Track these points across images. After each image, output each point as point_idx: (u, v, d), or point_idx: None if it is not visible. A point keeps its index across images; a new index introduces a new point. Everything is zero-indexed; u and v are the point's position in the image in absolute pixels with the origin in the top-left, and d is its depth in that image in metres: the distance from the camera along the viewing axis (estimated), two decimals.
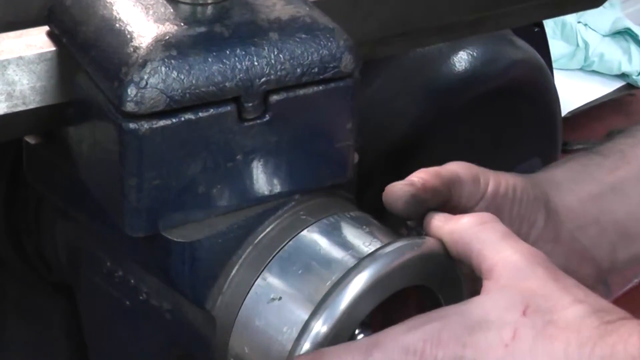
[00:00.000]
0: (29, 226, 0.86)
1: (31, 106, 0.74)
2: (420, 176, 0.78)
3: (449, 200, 0.79)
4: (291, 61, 0.71)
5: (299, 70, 0.71)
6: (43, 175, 0.80)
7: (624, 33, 1.74)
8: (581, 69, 1.70)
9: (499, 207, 0.82)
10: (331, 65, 0.72)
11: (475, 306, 0.69)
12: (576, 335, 0.67)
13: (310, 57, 0.72)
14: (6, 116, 0.73)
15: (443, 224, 0.74)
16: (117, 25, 0.70)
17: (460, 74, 1.10)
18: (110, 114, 0.69)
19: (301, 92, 0.72)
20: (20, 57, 0.73)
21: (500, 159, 1.03)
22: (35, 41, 0.74)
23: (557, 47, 1.67)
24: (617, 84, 1.71)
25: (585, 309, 0.68)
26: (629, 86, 1.72)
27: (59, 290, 0.89)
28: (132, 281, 0.77)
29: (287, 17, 0.72)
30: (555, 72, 1.39)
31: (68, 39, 0.73)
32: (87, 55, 0.71)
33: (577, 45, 1.70)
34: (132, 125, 0.68)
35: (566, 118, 1.61)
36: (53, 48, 0.74)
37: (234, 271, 0.74)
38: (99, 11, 0.72)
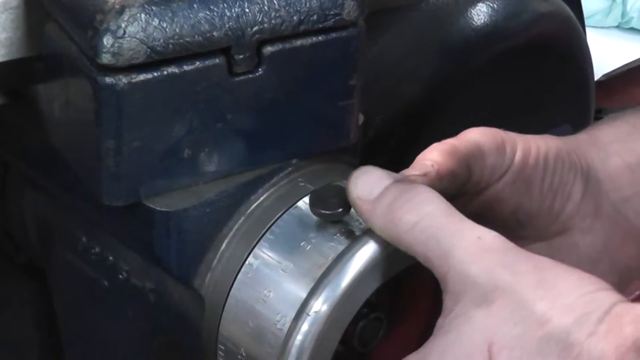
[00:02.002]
0: None
1: None
2: (433, 159, 0.76)
3: (470, 179, 0.78)
4: (287, 8, 0.71)
5: (296, 18, 0.72)
6: (9, 140, 0.81)
7: None
8: (618, 27, 1.69)
9: (527, 180, 0.81)
10: (332, 12, 0.73)
11: (439, 357, 0.67)
12: None
13: (308, 3, 0.72)
14: None
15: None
16: None
17: (479, 29, 1.10)
18: (84, 68, 0.69)
19: (298, 42, 0.72)
20: None
21: (525, 125, 1.02)
22: None
23: (590, 1, 1.66)
24: None
25: (568, 320, 0.66)
26: None
27: (28, 273, 0.89)
28: (111, 258, 0.78)
29: None
30: (588, 29, 1.38)
31: None
32: (58, 3, 0.71)
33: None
34: (108, 80, 0.68)
35: (600, 82, 1.60)
36: None
37: (224, 245, 0.74)
38: None
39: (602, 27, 1.67)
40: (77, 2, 0.70)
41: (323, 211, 0.71)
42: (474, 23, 1.10)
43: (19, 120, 0.79)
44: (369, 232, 0.71)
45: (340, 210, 0.71)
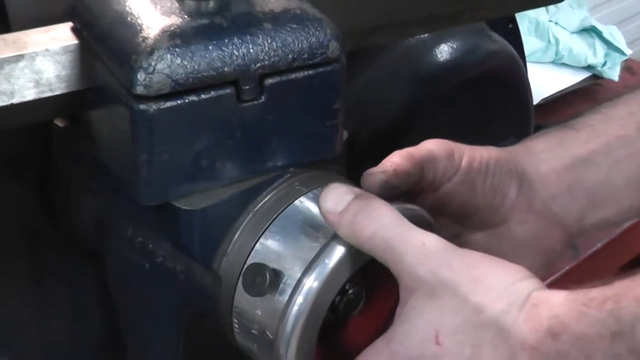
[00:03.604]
0: (61, 202, 0.84)
1: (57, 92, 0.72)
2: (393, 161, 0.74)
3: (424, 178, 0.76)
4: (283, 48, 0.69)
5: (290, 56, 0.69)
6: (70, 155, 0.79)
7: (590, 30, 1.72)
8: (553, 62, 1.68)
9: (472, 181, 0.79)
10: (319, 51, 0.70)
11: (398, 345, 0.66)
12: (496, 346, 0.63)
13: (300, 45, 0.69)
14: (35, 101, 0.71)
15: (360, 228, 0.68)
16: (129, 18, 0.68)
17: (442, 64, 1.08)
18: (123, 97, 0.67)
19: (293, 75, 0.70)
20: (47, 49, 0.71)
21: (479, 139, 1.00)
22: (60, 35, 0.73)
23: (531, 42, 1.64)
24: (584, 75, 1.69)
25: (498, 308, 0.64)
26: (595, 76, 1.70)
27: (90, 256, 0.86)
28: (150, 246, 0.75)
29: (280, 9, 0.70)
30: (530, 64, 1.36)
31: (87, 32, 0.71)
32: (103, 46, 0.69)
33: (549, 41, 1.67)
34: (142, 107, 0.66)
35: (541, 105, 1.59)
36: (75, 41, 0.72)
37: (236, 236, 0.72)
38: (113, 6, 0.70)
39: (541, 62, 1.66)
40: (118, 45, 0.68)
41: (254, 292, 0.69)
42: (439, 59, 1.08)
43: (77, 138, 0.77)
44: None
45: (266, 286, 0.68)
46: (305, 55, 0.70)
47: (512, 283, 0.64)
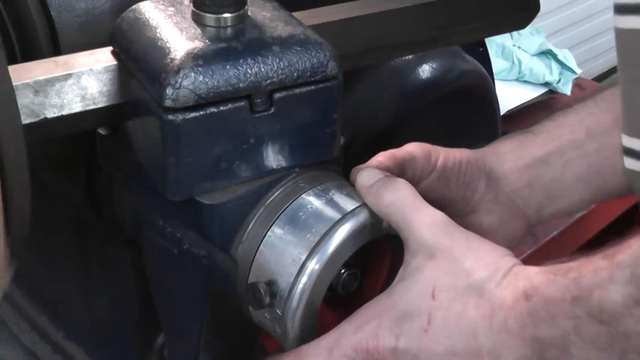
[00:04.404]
0: (104, 197, 0.82)
1: (99, 105, 0.70)
2: (377, 159, 0.75)
3: (403, 175, 0.75)
4: (289, 67, 0.68)
5: (295, 74, 0.68)
6: (111, 158, 0.77)
7: (547, 53, 1.71)
8: (516, 80, 1.67)
9: (447, 177, 0.79)
10: (320, 70, 0.69)
11: (399, 297, 0.65)
12: (479, 305, 0.63)
13: (304, 65, 0.68)
14: (81, 113, 0.70)
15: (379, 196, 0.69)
16: (159, 43, 0.67)
17: (424, 81, 1.06)
18: (154, 109, 0.66)
19: (297, 90, 0.69)
20: (91, 69, 0.70)
21: (455, 144, 0.99)
22: (102, 57, 0.71)
23: (498, 63, 1.63)
24: (542, 90, 1.68)
25: (484, 274, 0.64)
26: (551, 92, 1.69)
27: (129, 245, 0.85)
28: (178, 235, 0.74)
29: (287, 34, 0.69)
30: (497, 81, 1.35)
31: (125, 54, 0.70)
32: (138, 66, 0.68)
33: (513, 62, 1.66)
34: (170, 117, 0.65)
35: (506, 115, 1.58)
36: (115, 62, 0.71)
37: (250, 226, 0.70)
38: (146, 33, 0.69)
39: (506, 80, 1.65)
40: (150, 65, 0.67)
41: (258, 306, 0.68)
42: (421, 77, 1.06)
43: (117, 144, 0.75)
44: (345, 216, 0.68)
45: (265, 298, 0.67)
46: (308, 74, 0.68)
47: (499, 257, 0.65)
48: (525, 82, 1.66)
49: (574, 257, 0.62)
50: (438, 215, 0.67)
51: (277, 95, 0.68)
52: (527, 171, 0.83)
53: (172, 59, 0.65)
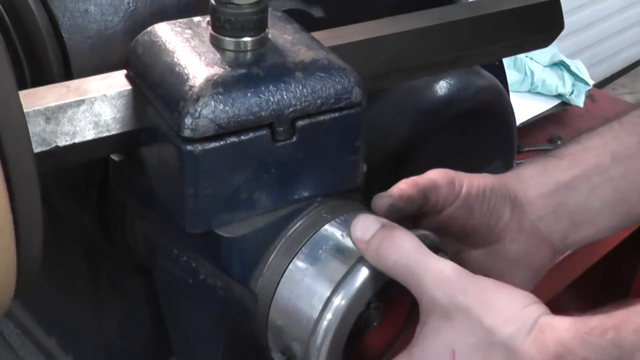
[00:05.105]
0: (116, 223, 0.79)
1: (113, 132, 0.67)
2: (399, 187, 0.71)
3: (426, 203, 0.72)
4: (313, 94, 0.64)
5: (319, 101, 0.64)
6: (125, 185, 0.74)
7: (559, 64, 1.68)
8: (529, 91, 1.64)
9: (471, 205, 0.76)
10: (344, 97, 0.65)
11: (423, 356, 0.62)
12: None
13: (327, 91, 0.65)
14: (94, 140, 0.66)
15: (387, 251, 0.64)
16: (177, 69, 0.63)
17: (440, 99, 1.03)
18: (172, 139, 0.62)
19: (321, 118, 0.65)
20: (105, 95, 0.66)
21: (471, 162, 0.96)
22: (116, 82, 0.68)
23: (511, 75, 1.60)
24: (555, 102, 1.64)
25: (508, 331, 0.60)
26: (564, 103, 1.66)
27: (141, 269, 0.82)
28: (194, 265, 0.70)
29: (309, 59, 0.65)
30: (510, 93, 1.32)
31: (140, 80, 0.66)
32: (154, 92, 0.64)
33: (526, 73, 1.63)
34: (189, 147, 0.61)
35: (519, 128, 1.55)
36: (129, 87, 0.67)
37: (270, 258, 0.67)
38: (163, 58, 0.65)
39: (519, 92, 1.62)
40: (168, 93, 0.63)
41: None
42: (437, 95, 1.03)
43: (131, 171, 0.72)
44: None
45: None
46: (332, 100, 0.65)
47: (521, 308, 0.60)
48: (538, 93, 1.63)
49: (609, 310, 0.59)
50: (448, 268, 0.63)
51: (300, 123, 0.64)
52: (552, 197, 0.80)
53: (191, 86, 0.61)
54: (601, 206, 0.81)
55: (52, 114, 0.64)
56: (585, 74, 1.66)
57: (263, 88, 0.62)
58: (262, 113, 0.62)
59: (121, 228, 0.79)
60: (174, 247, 0.72)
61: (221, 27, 0.64)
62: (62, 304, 0.94)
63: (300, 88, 0.64)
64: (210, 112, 0.60)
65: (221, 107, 0.61)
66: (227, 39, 0.65)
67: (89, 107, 0.65)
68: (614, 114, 1.47)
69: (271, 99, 0.62)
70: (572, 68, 1.66)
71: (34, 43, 0.71)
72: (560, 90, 1.63)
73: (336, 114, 0.65)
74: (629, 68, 3.89)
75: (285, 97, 0.63)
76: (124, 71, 0.69)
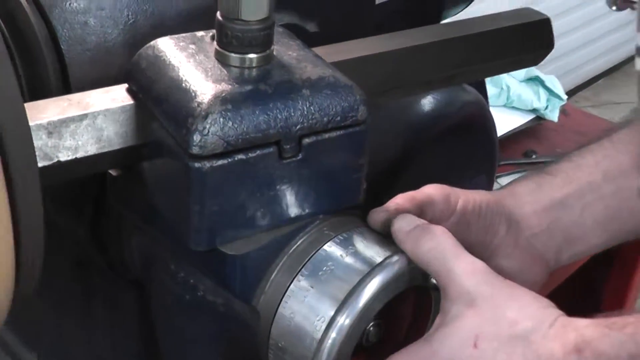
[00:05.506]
0: (112, 237, 0.78)
1: (115, 147, 0.66)
2: (396, 202, 0.72)
3: (423, 218, 0.71)
4: (320, 112, 0.64)
5: (325, 119, 0.64)
6: (123, 199, 0.72)
7: (535, 79, 1.70)
8: (504, 106, 1.65)
9: (467, 221, 0.76)
10: (350, 114, 0.65)
11: (439, 345, 0.62)
12: (526, 355, 0.61)
13: (334, 109, 0.64)
14: (96, 155, 0.65)
15: (417, 241, 0.66)
16: (184, 84, 0.62)
17: (429, 114, 1.03)
18: (179, 155, 0.61)
19: (327, 135, 0.65)
20: (107, 109, 0.65)
21: (457, 177, 0.96)
22: (118, 96, 0.66)
23: (488, 89, 1.60)
24: (530, 117, 1.66)
25: (530, 324, 0.61)
26: (539, 118, 1.67)
27: (134, 285, 0.80)
28: (192, 281, 0.69)
29: (316, 77, 0.65)
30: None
31: (144, 94, 0.65)
32: (160, 108, 0.63)
33: (502, 88, 1.64)
34: (197, 165, 0.60)
35: None
36: (132, 102, 0.66)
37: (273, 275, 0.66)
38: (168, 73, 0.64)
39: (495, 106, 1.62)
40: (175, 108, 0.62)
41: None
42: (426, 110, 1.03)
43: (129, 186, 0.70)
44: (375, 269, 0.64)
45: None
46: (339, 118, 0.64)
47: (543, 307, 0.62)
48: (514, 108, 1.64)
49: (625, 311, 0.60)
50: (478, 263, 0.65)
51: (306, 141, 0.64)
52: (547, 214, 0.80)
53: (199, 103, 0.60)
54: (593, 223, 0.81)
55: (54, 128, 0.62)
56: (559, 89, 1.68)
57: (271, 105, 0.62)
58: (270, 130, 0.62)
59: (117, 242, 0.78)
60: (171, 262, 0.70)
61: (228, 43, 0.63)
62: (50, 318, 0.92)
63: (308, 105, 0.63)
64: (219, 129, 0.60)
65: (230, 124, 0.60)
66: (233, 55, 0.64)
67: (91, 122, 0.64)
68: (586, 128, 1.48)
69: (279, 116, 0.62)
70: (547, 83, 1.67)
71: (32, 55, 0.70)
72: (536, 105, 1.64)
73: (342, 132, 0.65)
74: (590, 81, 3.94)
75: (292, 114, 0.62)
76: (126, 85, 0.67)
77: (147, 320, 0.79)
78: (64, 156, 0.63)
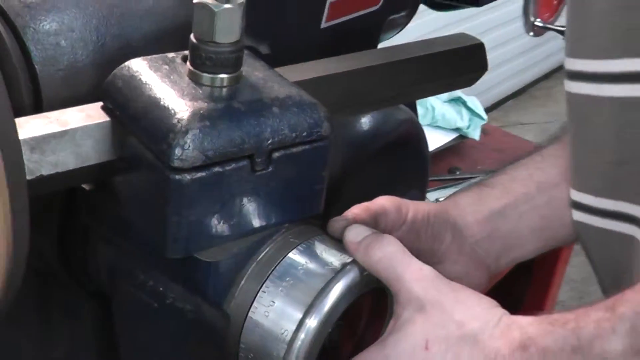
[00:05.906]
0: (77, 249, 0.80)
1: (92, 162, 0.69)
2: (353, 212, 0.77)
3: (377, 227, 0.76)
4: (288, 128, 0.68)
5: (293, 134, 0.69)
6: (94, 213, 0.75)
7: (457, 100, 1.77)
8: (430, 125, 1.72)
9: (417, 230, 0.81)
10: (315, 130, 0.70)
11: (392, 349, 0.66)
12: (472, 355, 0.64)
13: (301, 125, 0.69)
14: (75, 170, 0.68)
15: (368, 250, 0.69)
16: (162, 102, 0.66)
17: (367, 131, 1.08)
18: (159, 168, 0.65)
19: (294, 149, 0.69)
20: (85, 126, 0.68)
21: (393, 191, 1.01)
22: (93, 113, 0.70)
23: None
24: (454, 135, 1.73)
25: (476, 325, 0.65)
26: (461, 137, 1.75)
27: (94, 296, 0.83)
28: (161, 289, 0.73)
29: (284, 95, 0.69)
30: None
31: (120, 112, 0.69)
32: (138, 124, 0.67)
33: (427, 108, 1.71)
34: (177, 177, 0.64)
35: None
36: (108, 119, 0.69)
37: (242, 281, 0.70)
38: (145, 92, 0.68)
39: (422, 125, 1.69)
40: (154, 125, 0.66)
41: None
42: (364, 128, 1.08)
43: (101, 199, 0.73)
44: (338, 274, 0.69)
45: None
46: (305, 133, 0.69)
47: (488, 308, 0.66)
48: (438, 127, 1.71)
49: (566, 310, 0.65)
50: (426, 269, 0.69)
51: (276, 155, 0.68)
52: (487, 223, 0.86)
53: (180, 119, 0.64)
54: (528, 231, 0.87)
55: (37, 144, 0.65)
56: (480, 110, 1.76)
57: (245, 122, 0.66)
58: (245, 145, 0.66)
59: (81, 254, 0.80)
60: (139, 271, 0.74)
61: (201, 64, 0.67)
62: (4, 332, 0.93)
63: (278, 122, 0.68)
64: (198, 144, 0.64)
65: (208, 139, 0.64)
66: (206, 74, 0.68)
67: (71, 138, 0.67)
68: (505, 145, 1.56)
69: (252, 132, 0.66)
70: (469, 104, 1.75)
71: (6, 74, 0.72)
72: (459, 124, 1.72)
73: (308, 146, 0.70)
74: (500, 102, 4.08)
75: (264, 130, 0.67)
76: (100, 103, 0.71)
77: (105, 331, 0.82)
78: (46, 170, 0.66)
